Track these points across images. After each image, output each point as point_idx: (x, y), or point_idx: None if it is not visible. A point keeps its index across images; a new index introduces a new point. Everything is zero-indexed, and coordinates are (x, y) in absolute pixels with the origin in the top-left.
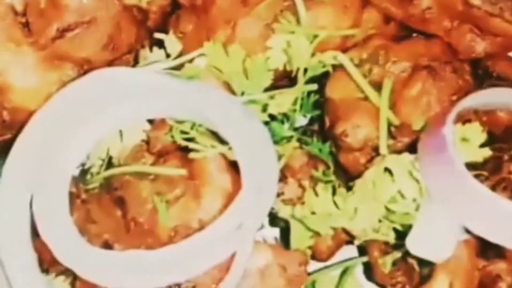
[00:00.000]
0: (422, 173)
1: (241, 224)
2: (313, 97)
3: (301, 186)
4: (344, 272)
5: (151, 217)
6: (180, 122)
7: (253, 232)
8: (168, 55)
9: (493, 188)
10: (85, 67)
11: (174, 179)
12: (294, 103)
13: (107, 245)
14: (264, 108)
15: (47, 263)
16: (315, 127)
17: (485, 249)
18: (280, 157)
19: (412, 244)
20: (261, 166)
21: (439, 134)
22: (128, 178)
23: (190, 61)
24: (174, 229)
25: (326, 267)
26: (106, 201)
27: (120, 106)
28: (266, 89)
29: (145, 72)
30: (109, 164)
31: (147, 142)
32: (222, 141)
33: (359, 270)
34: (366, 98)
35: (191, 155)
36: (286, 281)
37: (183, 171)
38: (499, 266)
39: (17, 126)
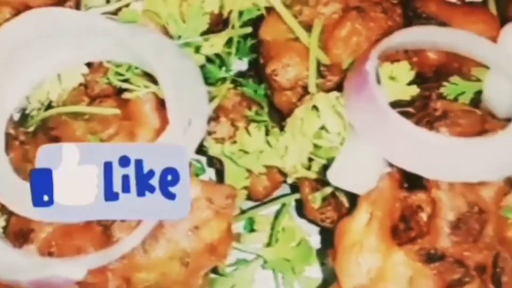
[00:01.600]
0: (346, 109)
1: None
2: (250, 41)
3: (234, 125)
4: (280, 210)
5: None
6: (118, 65)
7: None
8: (108, 1)
9: (417, 123)
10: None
11: (108, 119)
12: (229, 45)
13: None
14: (197, 49)
15: None
16: (253, 71)
17: (408, 181)
18: (213, 97)
19: (333, 175)
20: (190, 104)
21: (362, 70)
22: (64, 118)
23: (127, 5)
24: None
25: (262, 204)
26: (43, 141)
27: (58, 48)
28: (203, 33)
29: (82, 13)
30: (49, 107)
31: (86, 85)
32: (156, 82)
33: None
34: (297, 39)
35: (125, 95)
36: (214, 212)
37: (116, 110)
38: (420, 197)
39: None
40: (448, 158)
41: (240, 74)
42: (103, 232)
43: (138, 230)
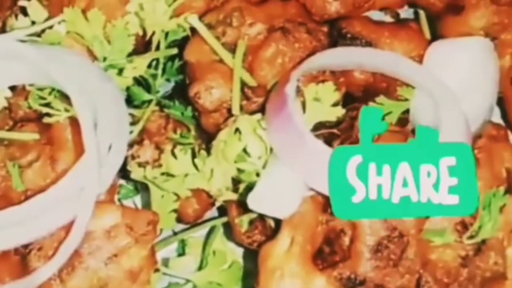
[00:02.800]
0: (267, 131)
1: (83, 188)
2: (178, 62)
3: (158, 148)
4: (209, 233)
5: (4, 182)
6: (40, 89)
7: (94, 196)
8: (33, 22)
9: (341, 144)
10: None
11: (28, 144)
12: (156, 67)
13: None
14: (121, 72)
15: None
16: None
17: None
18: (138, 120)
19: (253, 200)
20: (111, 128)
21: (282, 92)
22: None
23: (51, 27)
24: (27, 194)
25: (192, 227)
26: None
27: None
28: (130, 55)
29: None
30: None
31: (10, 109)
32: None
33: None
34: (221, 61)
35: (45, 119)
36: (134, 239)
37: (35, 136)
38: (342, 221)
39: None
40: None
41: (163, 95)
42: (20, 262)
43: (54, 259)
